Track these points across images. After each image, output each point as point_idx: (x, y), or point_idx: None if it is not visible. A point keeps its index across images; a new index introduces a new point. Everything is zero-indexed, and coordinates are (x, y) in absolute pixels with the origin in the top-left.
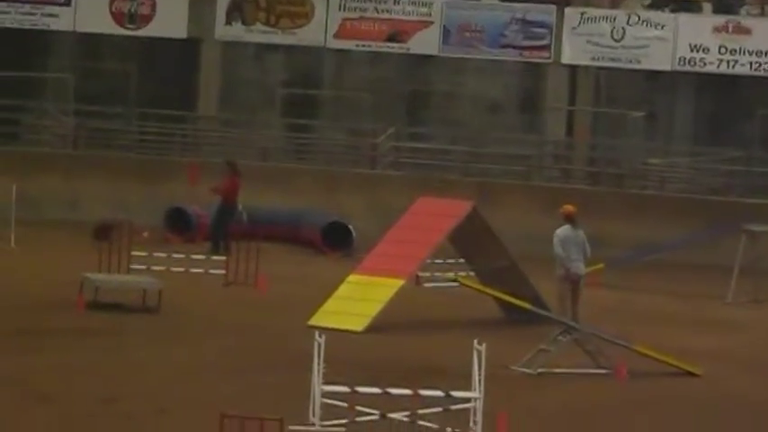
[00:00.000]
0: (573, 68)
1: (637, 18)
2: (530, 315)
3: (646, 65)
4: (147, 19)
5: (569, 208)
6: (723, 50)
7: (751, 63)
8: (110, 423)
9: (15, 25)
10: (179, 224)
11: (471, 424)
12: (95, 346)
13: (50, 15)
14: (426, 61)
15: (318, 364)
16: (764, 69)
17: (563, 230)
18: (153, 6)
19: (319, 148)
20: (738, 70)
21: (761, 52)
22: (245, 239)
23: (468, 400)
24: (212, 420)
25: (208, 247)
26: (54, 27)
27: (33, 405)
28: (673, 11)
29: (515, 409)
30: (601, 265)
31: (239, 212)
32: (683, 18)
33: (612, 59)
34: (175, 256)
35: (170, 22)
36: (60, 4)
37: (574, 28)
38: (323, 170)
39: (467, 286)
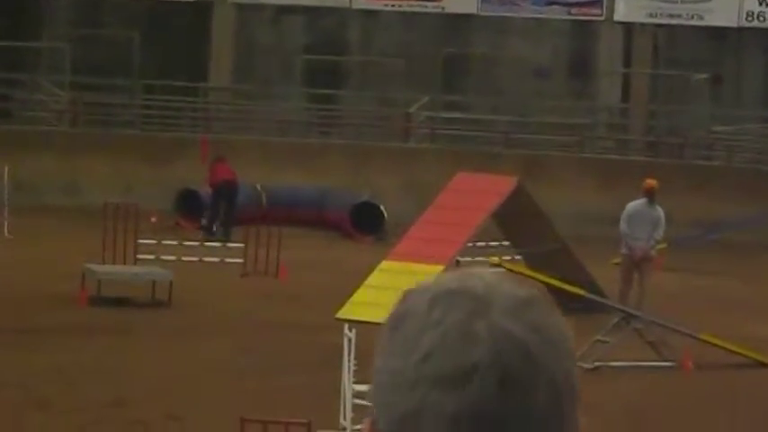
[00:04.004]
0: (628, 27)
1: None
2: (584, 303)
3: (709, 21)
4: None
5: (651, 182)
6: None
7: None
8: (116, 430)
9: None
10: (191, 208)
11: None
12: (99, 345)
13: None
14: (464, 21)
15: (349, 361)
16: None
17: (634, 205)
18: None
19: (346, 120)
20: None
21: None
22: (265, 224)
23: None
24: (231, 425)
25: (219, 231)
26: None
27: (32, 410)
28: None
29: None
30: (663, 245)
31: (233, 194)
32: None
33: (672, 16)
34: (187, 243)
35: None
36: None
37: None
38: (350, 145)
39: (513, 272)
